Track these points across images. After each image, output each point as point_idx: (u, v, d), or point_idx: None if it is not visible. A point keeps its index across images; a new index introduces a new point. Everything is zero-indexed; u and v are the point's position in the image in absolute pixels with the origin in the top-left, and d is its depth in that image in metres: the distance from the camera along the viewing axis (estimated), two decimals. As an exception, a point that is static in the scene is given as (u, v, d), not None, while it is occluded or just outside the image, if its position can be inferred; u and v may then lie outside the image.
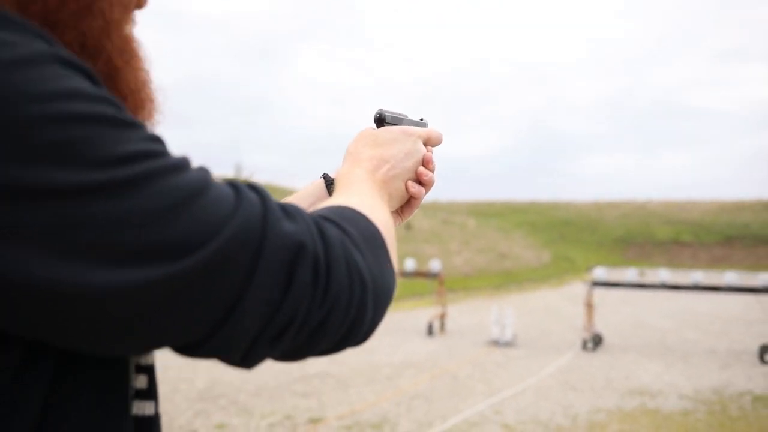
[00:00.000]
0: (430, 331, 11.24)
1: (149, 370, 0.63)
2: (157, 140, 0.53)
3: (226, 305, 0.52)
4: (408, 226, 27.05)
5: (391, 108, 0.92)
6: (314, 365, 8.41)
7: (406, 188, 0.86)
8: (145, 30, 0.67)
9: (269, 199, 0.57)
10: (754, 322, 12.74)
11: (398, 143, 0.86)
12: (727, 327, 12.80)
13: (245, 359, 0.57)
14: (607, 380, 7.93)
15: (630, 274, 11.50)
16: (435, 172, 0.89)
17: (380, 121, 0.90)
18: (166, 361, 8.32)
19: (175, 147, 0.56)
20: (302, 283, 0.55)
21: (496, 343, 10.37)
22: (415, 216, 28.47)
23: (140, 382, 0.61)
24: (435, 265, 12.66)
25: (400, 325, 12.40)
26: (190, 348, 0.55)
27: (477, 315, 14.14)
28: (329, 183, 0.91)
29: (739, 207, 38.93)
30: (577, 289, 18.99)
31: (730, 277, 10.52)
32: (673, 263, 29.04)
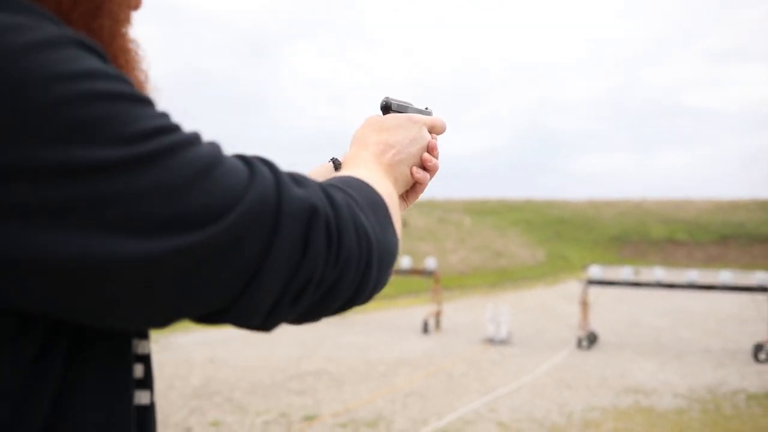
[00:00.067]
0: (425, 328, 11.26)
1: (146, 360, 0.64)
2: (169, 116, 0.55)
3: (250, 270, 0.54)
4: (403, 224, 27.00)
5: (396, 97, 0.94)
6: (309, 363, 8.42)
7: (411, 174, 0.87)
8: (141, 26, 0.68)
9: (278, 168, 0.59)
10: (748, 321, 12.76)
11: (404, 129, 0.88)
12: (721, 326, 12.83)
13: (265, 323, 0.59)
14: (602, 378, 7.96)
15: (625, 272, 11.52)
16: (439, 159, 0.91)
17: (386, 108, 0.92)
18: (161, 358, 8.32)
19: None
20: (317, 245, 0.57)
21: (491, 341, 10.39)
22: (411, 214, 28.49)
23: (137, 371, 0.62)
24: (430, 262, 12.67)
25: (395, 322, 12.42)
26: (214, 315, 0.56)
27: (472, 313, 14.15)
28: (337, 166, 0.92)
29: (735, 206, 38.98)
30: (572, 287, 19.03)
31: (725, 276, 10.55)
32: (668, 262, 29.10)
